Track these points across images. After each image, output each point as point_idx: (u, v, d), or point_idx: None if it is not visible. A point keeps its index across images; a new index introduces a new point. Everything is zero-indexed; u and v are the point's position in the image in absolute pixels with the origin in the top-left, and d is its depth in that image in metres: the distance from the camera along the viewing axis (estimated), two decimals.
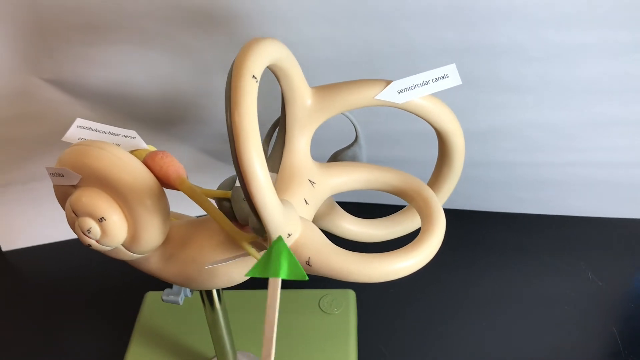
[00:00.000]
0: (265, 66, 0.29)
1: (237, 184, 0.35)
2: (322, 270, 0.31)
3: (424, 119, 0.35)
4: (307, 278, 0.28)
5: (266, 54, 0.29)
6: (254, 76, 0.27)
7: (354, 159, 0.39)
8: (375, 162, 0.59)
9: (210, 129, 0.59)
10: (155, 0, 0.47)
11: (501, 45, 0.49)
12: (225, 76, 0.54)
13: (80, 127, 0.38)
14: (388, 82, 0.34)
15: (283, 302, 0.51)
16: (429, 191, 0.34)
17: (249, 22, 0.49)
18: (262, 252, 0.32)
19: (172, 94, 0.55)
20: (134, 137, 0.37)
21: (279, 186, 0.34)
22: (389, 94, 0.34)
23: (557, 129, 0.55)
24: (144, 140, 0.61)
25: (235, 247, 0.34)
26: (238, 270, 0.35)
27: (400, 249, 0.32)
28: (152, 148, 0.38)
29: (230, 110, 0.27)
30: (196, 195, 0.33)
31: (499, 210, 0.62)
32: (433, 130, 0.56)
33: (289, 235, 0.30)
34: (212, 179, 0.59)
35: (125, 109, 0.57)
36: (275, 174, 0.35)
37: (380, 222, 0.41)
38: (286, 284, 0.29)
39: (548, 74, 0.51)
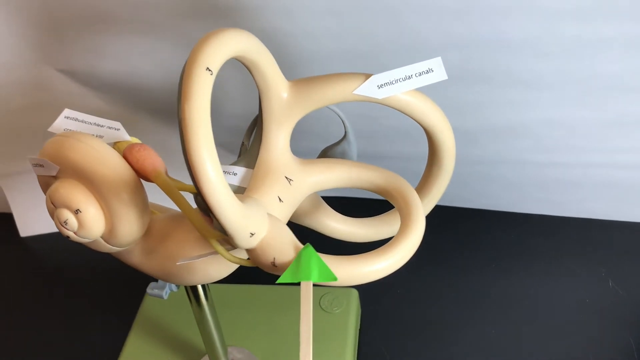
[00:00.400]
0: (225, 59, 0.28)
1: None
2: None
3: (409, 116, 0.33)
4: (337, 279, 0.29)
5: (226, 46, 0.28)
6: (208, 68, 0.27)
7: (343, 155, 0.38)
8: (386, 157, 0.58)
9: (218, 121, 0.59)
10: None
11: (514, 39, 0.47)
12: (232, 69, 0.53)
13: (68, 117, 0.38)
14: (368, 76, 0.32)
15: (281, 299, 0.51)
16: (411, 192, 0.33)
17: (253, 14, 0.48)
18: (231, 250, 0.32)
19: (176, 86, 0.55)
20: (118, 129, 0.37)
21: (253, 183, 0.33)
22: (367, 89, 0.32)
23: (576, 128, 0.52)
24: (155, 131, 0.61)
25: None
26: (214, 267, 0.35)
27: (373, 251, 0.30)
28: (135, 140, 0.37)
29: (180, 104, 0.26)
30: (169, 189, 0.33)
31: (514, 210, 0.60)
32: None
33: (252, 234, 0.29)
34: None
35: (135, 100, 0.57)
36: (250, 170, 0.34)
37: (369, 222, 0.39)
38: None
39: (565, 69, 0.48)
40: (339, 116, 0.37)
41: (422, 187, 0.38)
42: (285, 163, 0.34)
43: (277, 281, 0.29)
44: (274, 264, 0.30)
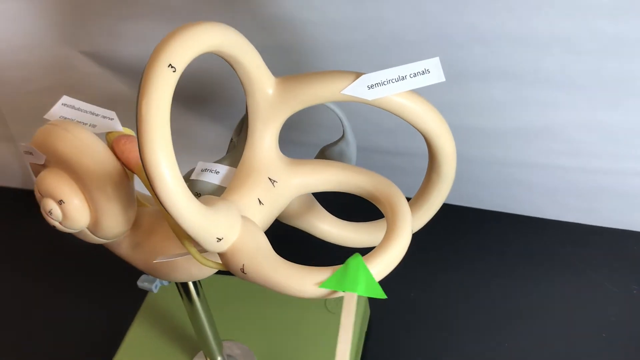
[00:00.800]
0: (193, 55, 0.26)
1: (192, 176, 0.33)
2: (256, 280, 0.28)
3: (404, 120, 0.31)
4: (385, 296, 0.27)
5: (194, 42, 0.26)
6: (170, 65, 0.25)
7: (341, 155, 0.36)
8: (407, 154, 0.55)
9: (237, 110, 0.57)
10: None
11: (545, 35, 0.44)
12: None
13: (65, 104, 0.37)
14: (359, 75, 0.30)
15: (279, 294, 0.50)
16: (399, 200, 0.31)
17: (273, 1, 0.46)
18: (205, 253, 0.30)
19: (201, 73, 0.54)
20: (112, 119, 0.36)
21: (234, 182, 0.32)
22: (357, 89, 0.30)
23: (612, 132, 0.48)
24: (173, 117, 0.60)
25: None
26: (197, 266, 0.34)
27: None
28: (127, 131, 0.37)
29: (137, 101, 0.24)
30: (147, 184, 0.32)
31: (543, 216, 0.56)
32: (473, 124, 0.51)
33: (219, 239, 0.27)
34: None
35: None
36: (233, 169, 0.32)
37: (364, 227, 0.37)
38: None
39: (601, 69, 0.45)
40: (337, 115, 0.35)
41: (421, 193, 0.35)
42: (269, 163, 0.32)
43: (321, 286, 0.27)
44: (242, 271, 0.28)
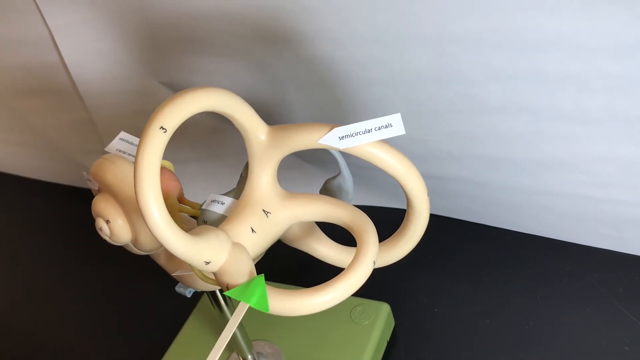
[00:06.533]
0: (182, 119, 0.33)
1: (203, 206, 0.40)
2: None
3: (375, 165, 0.36)
4: (268, 310, 0.33)
5: (185, 107, 0.33)
6: (162, 127, 0.32)
7: (339, 188, 0.41)
8: (438, 178, 0.59)
9: None
10: (235, 21, 0.53)
11: (555, 73, 0.46)
12: (294, 90, 0.58)
13: (121, 139, 0.46)
14: (332, 127, 0.35)
15: None
16: (368, 234, 0.35)
17: (307, 41, 0.52)
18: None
19: (252, 102, 0.61)
20: None
21: (233, 212, 0.38)
22: (330, 139, 0.35)
23: (630, 165, 0.49)
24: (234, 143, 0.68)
25: None
26: (200, 281, 0.40)
27: (312, 287, 0.34)
28: (165, 164, 0.44)
29: (136, 155, 0.32)
30: (171, 211, 0.39)
31: (576, 241, 0.58)
32: (496, 154, 0.54)
33: (207, 262, 0.34)
34: (299, 174, 0.65)
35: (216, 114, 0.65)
36: (236, 201, 0.39)
37: None
38: None
39: (613, 106, 0.46)
40: (333, 155, 0.40)
41: (402, 227, 0.40)
42: (265, 197, 0.38)
43: (225, 293, 0.34)
44: (227, 288, 0.34)
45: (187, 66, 0.62)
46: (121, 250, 0.44)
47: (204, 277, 0.37)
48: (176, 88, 0.65)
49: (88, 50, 0.64)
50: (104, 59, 0.65)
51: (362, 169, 0.46)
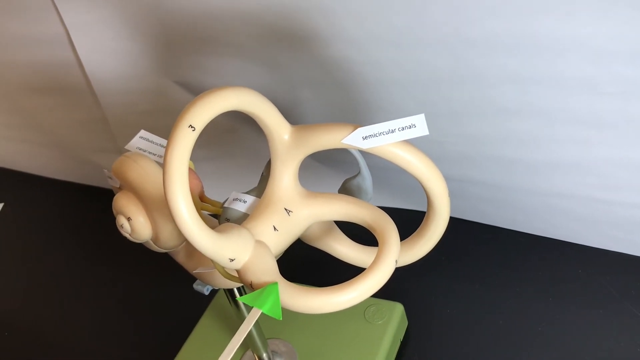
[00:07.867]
0: (210, 117, 0.33)
1: (225, 204, 0.41)
2: None
3: (397, 166, 0.36)
4: (280, 317, 0.34)
5: (211, 106, 0.33)
6: (190, 125, 0.32)
7: (359, 187, 0.41)
8: (452, 179, 0.59)
9: None
10: (250, 21, 0.54)
11: (570, 77, 0.46)
12: (308, 90, 0.59)
13: (142, 137, 0.46)
14: (356, 127, 0.36)
15: None
16: (390, 234, 0.36)
17: (325, 43, 0.53)
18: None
19: None
20: None
21: (255, 211, 0.38)
22: (354, 139, 0.35)
23: None
24: (250, 140, 0.68)
25: None
26: (222, 278, 0.41)
27: (336, 285, 0.34)
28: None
29: (165, 153, 0.32)
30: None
31: (587, 243, 0.58)
32: (510, 156, 0.54)
33: (232, 259, 0.34)
34: (312, 175, 0.66)
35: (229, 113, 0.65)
36: (258, 199, 0.39)
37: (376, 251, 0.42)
38: None
39: (627, 111, 0.47)
40: (353, 154, 0.40)
41: (421, 227, 0.40)
42: (287, 196, 0.38)
43: (238, 299, 0.34)
44: (251, 286, 0.35)
45: (201, 66, 0.62)
46: (132, 248, 0.45)
47: (227, 274, 0.37)
48: (190, 88, 0.66)
49: (103, 49, 0.64)
50: (119, 58, 0.65)
51: (378, 169, 0.47)
